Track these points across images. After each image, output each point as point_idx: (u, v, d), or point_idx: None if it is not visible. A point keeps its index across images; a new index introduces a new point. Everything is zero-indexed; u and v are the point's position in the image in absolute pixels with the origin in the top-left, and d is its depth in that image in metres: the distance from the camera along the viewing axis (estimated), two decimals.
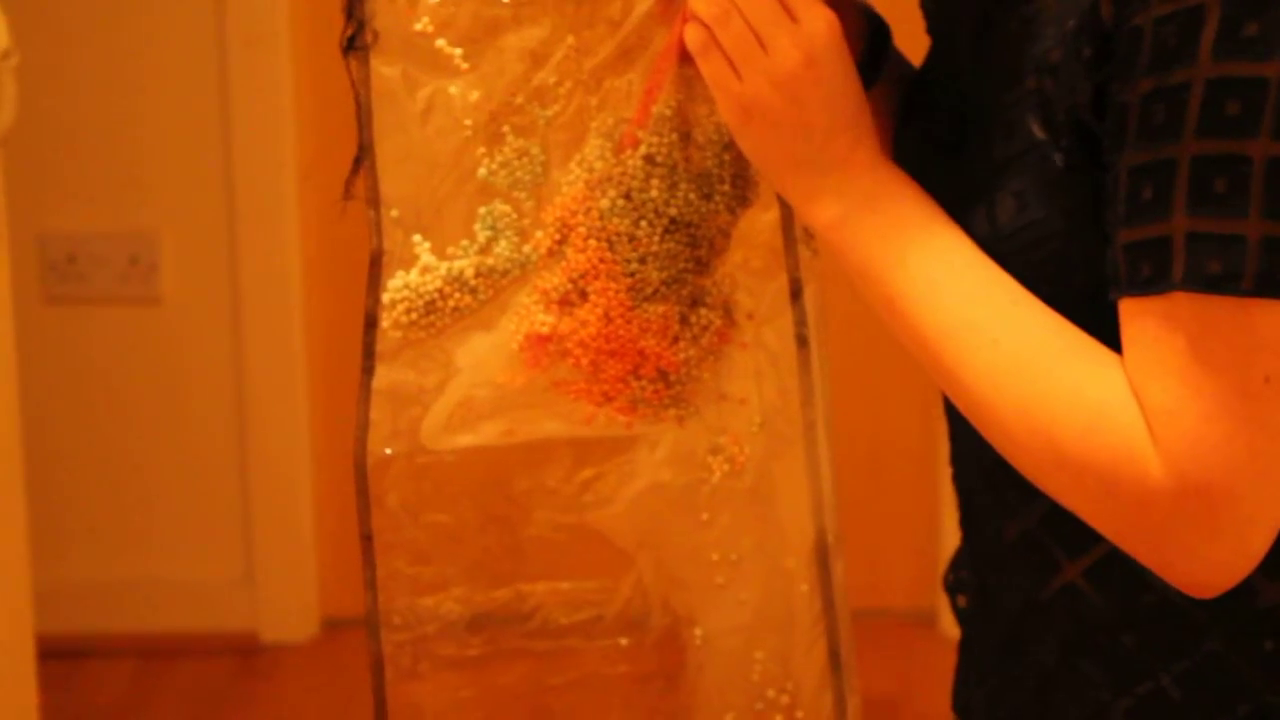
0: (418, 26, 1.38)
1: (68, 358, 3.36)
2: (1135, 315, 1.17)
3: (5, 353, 2.36)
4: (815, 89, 1.27)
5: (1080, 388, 1.19)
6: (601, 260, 1.38)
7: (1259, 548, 1.18)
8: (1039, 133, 1.21)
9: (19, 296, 2.45)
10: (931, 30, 1.40)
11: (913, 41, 1.44)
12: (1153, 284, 1.15)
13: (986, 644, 1.38)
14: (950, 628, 3.25)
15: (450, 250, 1.40)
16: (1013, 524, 1.31)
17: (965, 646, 1.42)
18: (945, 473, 3.37)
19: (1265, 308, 1.13)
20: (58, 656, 3.18)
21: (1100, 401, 1.18)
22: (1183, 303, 1.14)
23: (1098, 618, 1.28)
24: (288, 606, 3.44)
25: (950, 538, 3.59)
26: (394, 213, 1.40)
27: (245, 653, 3.41)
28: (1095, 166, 1.19)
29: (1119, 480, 1.17)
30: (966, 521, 1.40)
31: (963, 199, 1.26)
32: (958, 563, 1.43)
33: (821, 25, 1.28)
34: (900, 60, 1.45)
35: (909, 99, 1.40)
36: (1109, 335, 1.19)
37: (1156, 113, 1.14)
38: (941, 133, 1.31)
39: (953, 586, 1.42)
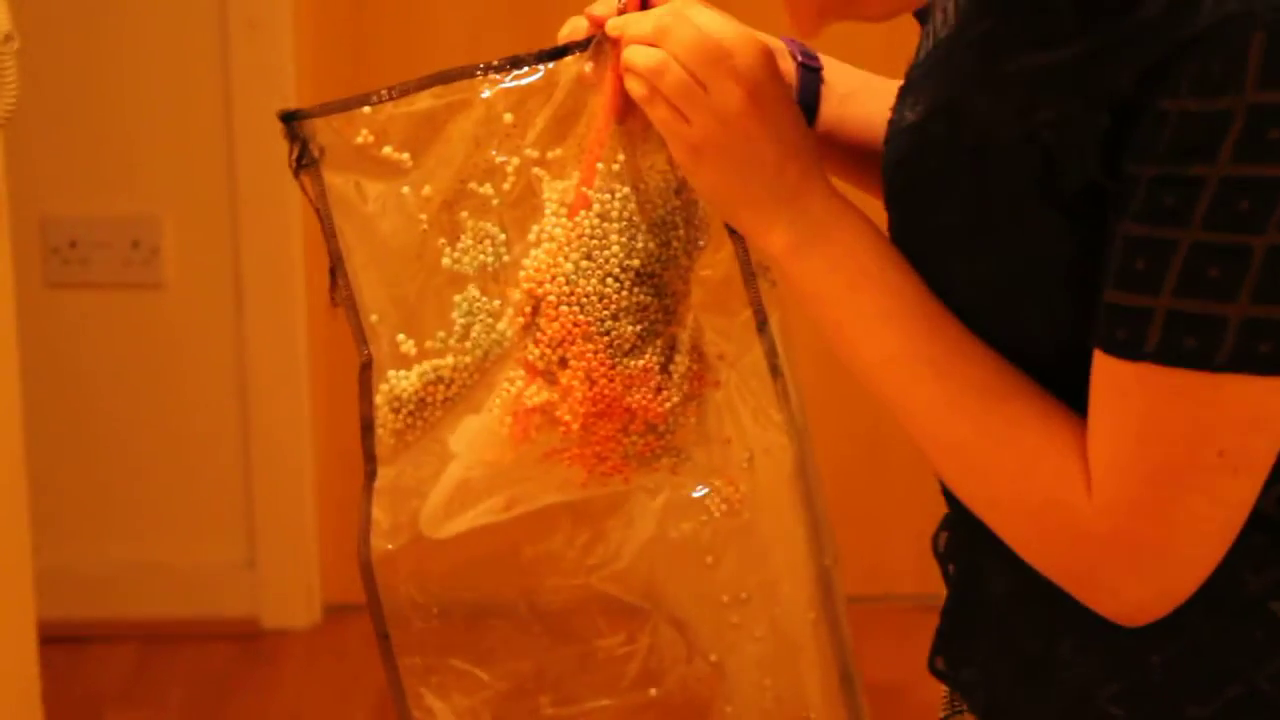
0: (359, 140, 1.40)
1: (69, 343, 3.36)
2: (1104, 370, 1.18)
3: (7, 337, 2.35)
4: (762, 122, 1.29)
5: (1017, 430, 1.22)
6: (575, 324, 1.39)
7: (1183, 594, 1.21)
8: (1038, 184, 1.21)
9: (21, 281, 2.45)
10: (920, 17, 1.39)
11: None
12: (1125, 349, 1.16)
13: (974, 622, 1.38)
14: None
15: (430, 344, 1.42)
16: None
17: (954, 613, 1.41)
18: None
19: (1234, 382, 1.14)
20: (60, 642, 3.18)
21: (1035, 446, 1.21)
22: (1151, 371, 1.15)
23: (1080, 607, 1.27)
24: (290, 592, 3.44)
25: None
26: (374, 317, 1.42)
27: (247, 638, 3.41)
28: (1096, 217, 1.19)
29: (1048, 524, 1.21)
30: (954, 513, 1.40)
31: (958, 239, 1.26)
32: (948, 525, 1.43)
33: (758, 57, 1.29)
34: (854, 91, 1.47)
35: (901, 92, 1.37)
36: (1074, 380, 1.21)
37: (1166, 196, 1.14)
38: (932, 165, 1.29)
39: (943, 555, 1.43)
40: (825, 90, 1.47)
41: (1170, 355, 1.14)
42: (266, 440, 3.40)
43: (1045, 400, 1.22)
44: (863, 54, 1.49)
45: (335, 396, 3.36)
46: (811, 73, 1.46)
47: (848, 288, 1.27)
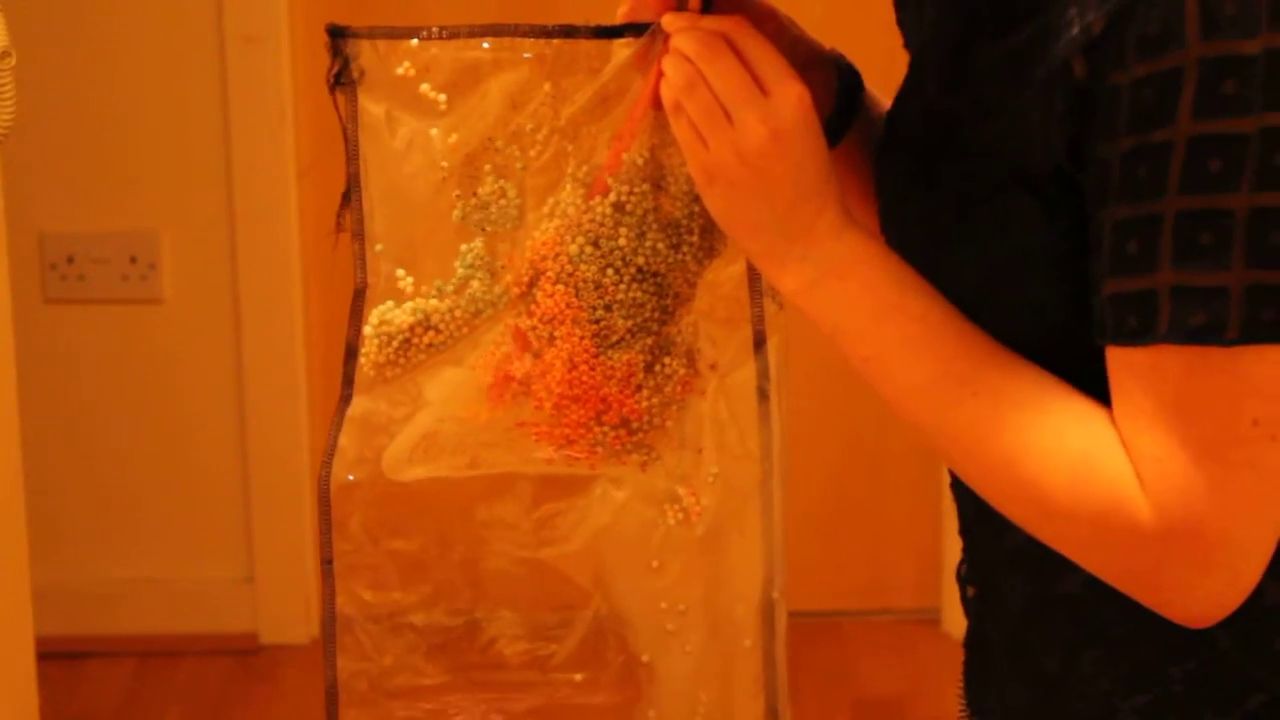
0: (400, 70, 1.40)
1: (68, 358, 3.36)
2: (1122, 364, 1.18)
3: (5, 353, 2.35)
4: (780, 163, 1.27)
5: (1062, 437, 1.20)
6: (568, 306, 1.38)
7: (1251, 580, 1.19)
8: (1012, 173, 1.21)
9: (18, 297, 2.45)
10: (908, 46, 1.39)
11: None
12: (1139, 335, 1.16)
13: (994, 642, 1.37)
14: (954, 627, 3.26)
15: (427, 288, 1.42)
16: (1011, 533, 1.29)
17: (973, 641, 1.41)
18: (948, 473, 3.32)
19: (1251, 353, 1.14)
20: (58, 657, 3.18)
21: (1083, 451, 1.19)
22: (1168, 354, 1.15)
23: (1100, 621, 1.28)
24: (288, 608, 3.44)
25: (953, 538, 3.58)
26: (379, 247, 1.42)
27: (245, 654, 3.41)
28: (1073, 204, 1.19)
29: (1108, 527, 1.19)
30: (965, 530, 1.40)
31: (942, 232, 1.27)
32: (965, 551, 1.42)
33: (792, 100, 1.27)
34: (876, 103, 1.46)
35: (889, 120, 1.38)
36: (1090, 373, 1.20)
37: (1139, 170, 1.14)
38: (916, 163, 1.31)
39: (964, 578, 1.42)
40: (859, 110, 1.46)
41: (1182, 333, 1.14)
42: (265, 455, 3.40)
43: (1085, 404, 1.21)
44: (864, 57, 1.49)
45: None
46: (851, 88, 1.44)
47: (870, 321, 1.26)
